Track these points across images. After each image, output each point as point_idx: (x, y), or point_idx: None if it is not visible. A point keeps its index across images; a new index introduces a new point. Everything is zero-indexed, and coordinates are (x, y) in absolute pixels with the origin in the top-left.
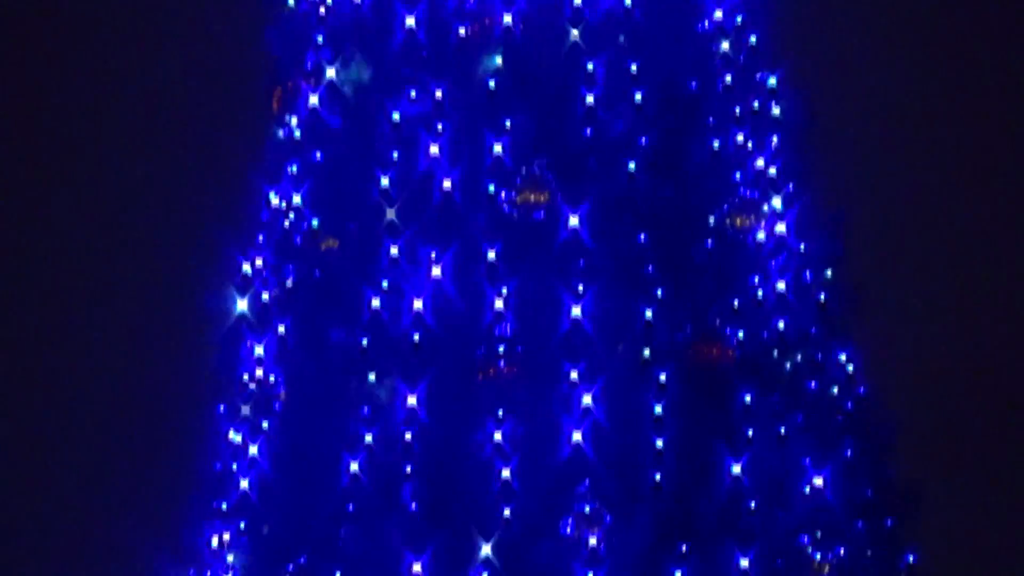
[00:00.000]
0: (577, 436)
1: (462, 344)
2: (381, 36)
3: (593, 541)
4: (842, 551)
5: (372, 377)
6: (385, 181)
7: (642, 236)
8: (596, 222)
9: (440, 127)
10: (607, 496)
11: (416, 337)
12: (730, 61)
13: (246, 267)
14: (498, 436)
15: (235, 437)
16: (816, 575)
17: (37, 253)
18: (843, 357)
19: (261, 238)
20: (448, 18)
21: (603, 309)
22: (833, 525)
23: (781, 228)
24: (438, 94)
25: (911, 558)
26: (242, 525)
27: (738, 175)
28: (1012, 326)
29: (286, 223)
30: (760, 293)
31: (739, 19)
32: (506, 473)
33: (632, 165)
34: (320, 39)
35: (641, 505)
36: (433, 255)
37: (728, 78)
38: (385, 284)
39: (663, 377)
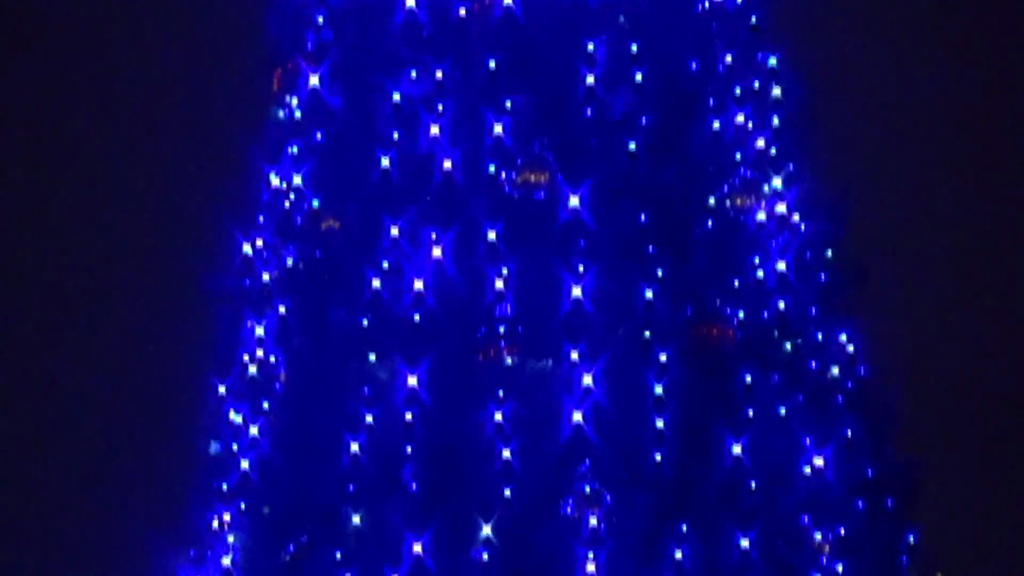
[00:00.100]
0: (577, 417)
1: (462, 325)
2: (381, 16)
3: (593, 521)
4: (842, 531)
5: (372, 358)
6: (386, 162)
7: (643, 216)
8: (597, 202)
9: (440, 107)
10: (608, 476)
11: (416, 318)
12: (730, 41)
13: (246, 248)
14: (498, 416)
15: (235, 418)
16: (816, 555)
17: (39, 234)
18: (843, 337)
19: (261, 219)
20: None
21: (603, 289)
22: (833, 505)
23: (781, 208)
24: (438, 75)
25: (911, 537)
26: (243, 505)
27: (738, 155)
28: (1013, 307)
29: (286, 204)
30: (760, 273)
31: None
32: (506, 454)
33: (632, 145)
34: (320, 20)
35: (641, 485)
36: (434, 236)
37: (728, 58)
38: (386, 265)
39: (663, 357)
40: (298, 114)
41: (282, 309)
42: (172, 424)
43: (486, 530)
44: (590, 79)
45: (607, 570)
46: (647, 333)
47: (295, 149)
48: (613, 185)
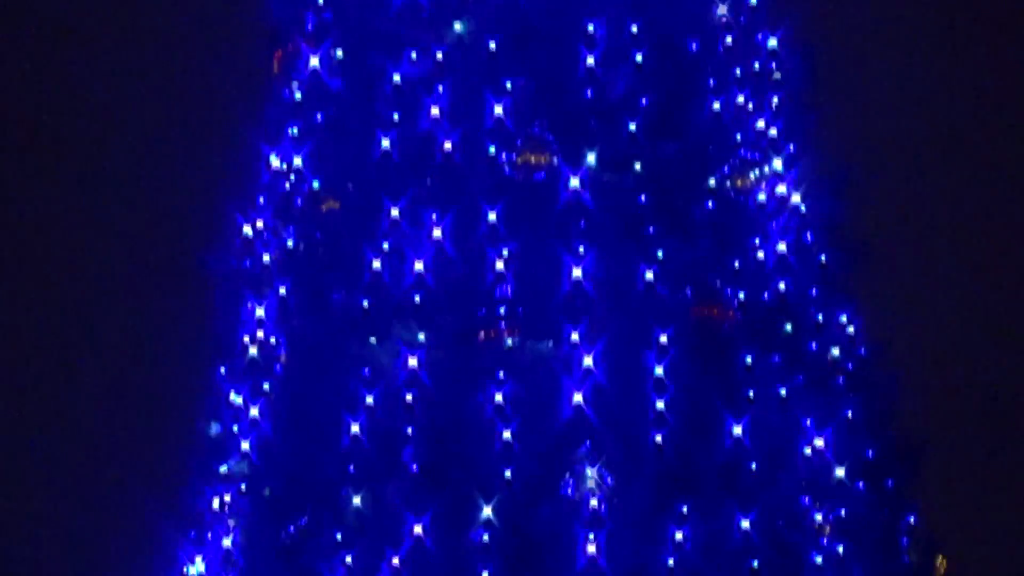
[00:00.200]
0: (578, 398)
1: (463, 306)
2: None
3: (594, 502)
4: (843, 511)
5: (373, 339)
6: (386, 143)
7: (643, 197)
8: (597, 183)
9: (440, 88)
10: (608, 457)
11: (417, 299)
12: (730, 22)
13: (247, 229)
14: (499, 398)
15: (236, 399)
16: (817, 535)
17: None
18: (844, 318)
19: (262, 200)
20: None
21: (604, 271)
22: (834, 486)
23: (782, 189)
24: (439, 55)
25: (911, 518)
26: (243, 487)
27: (739, 136)
28: (1015, 288)
29: (287, 185)
30: (761, 254)
31: None
32: (507, 435)
33: (633, 126)
34: (321, 1)
35: (642, 466)
36: (434, 217)
37: (728, 39)
38: (386, 246)
39: (664, 338)
40: (298, 95)
41: (282, 290)
42: (173, 405)
43: (487, 511)
44: (590, 60)
45: (608, 551)
46: (647, 314)
47: (295, 130)
48: (613, 166)
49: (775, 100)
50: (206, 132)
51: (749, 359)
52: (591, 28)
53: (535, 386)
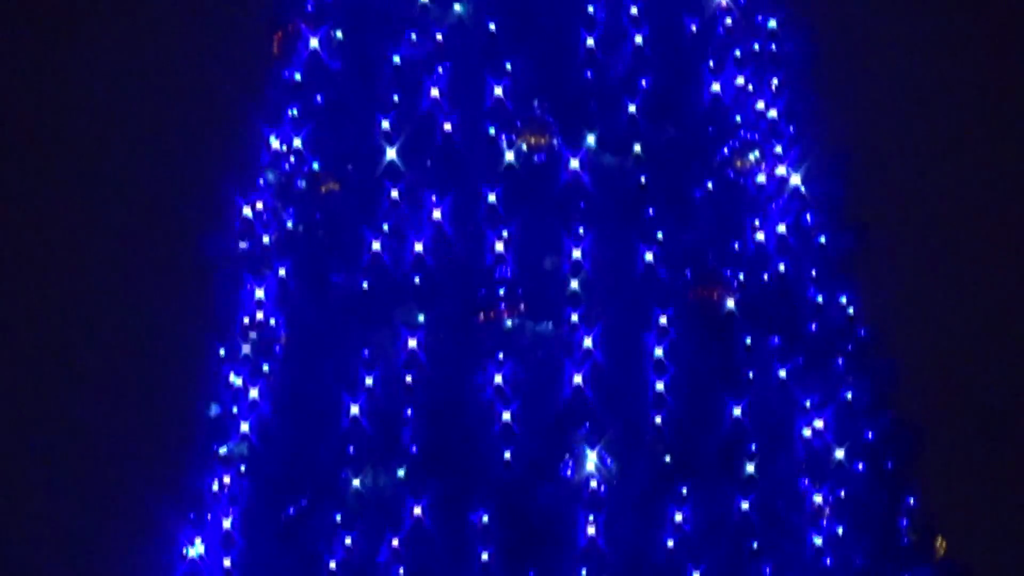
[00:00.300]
0: (578, 379)
1: (463, 287)
2: None
3: (593, 484)
4: (842, 493)
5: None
6: (386, 124)
7: (643, 178)
8: (597, 165)
9: (440, 69)
10: (608, 439)
11: (417, 280)
12: (731, 3)
13: (246, 210)
14: (498, 379)
15: (235, 380)
16: (816, 517)
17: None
18: (844, 299)
19: (261, 181)
20: None
21: (604, 252)
22: (834, 467)
23: (782, 171)
24: (438, 37)
25: (911, 500)
26: (243, 468)
27: (738, 117)
28: (1017, 271)
29: (287, 166)
30: (761, 236)
31: None
32: (506, 416)
33: (632, 108)
34: None
35: (641, 448)
36: (434, 198)
37: (728, 20)
38: (386, 227)
39: (664, 319)
40: (298, 76)
41: (282, 272)
42: (172, 387)
43: (486, 492)
44: (590, 41)
45: (607, 532)
46: (647, 295)
47: (295, 111)
48: (613, 148)
49: (775, 81)
50: (205, 113)
51: (749, 340)
52: (591, 9)
53: (535, 367)
